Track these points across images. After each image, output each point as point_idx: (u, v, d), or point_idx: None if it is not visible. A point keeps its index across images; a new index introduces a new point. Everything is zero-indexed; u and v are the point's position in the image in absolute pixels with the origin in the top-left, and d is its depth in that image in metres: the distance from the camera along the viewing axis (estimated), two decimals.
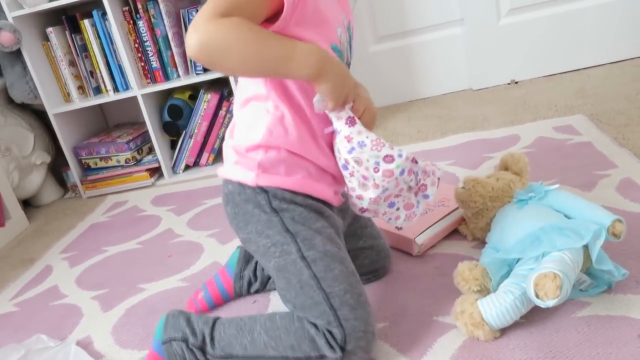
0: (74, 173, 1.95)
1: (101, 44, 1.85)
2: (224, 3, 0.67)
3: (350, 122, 0.76)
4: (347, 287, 0.76)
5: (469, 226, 1.05)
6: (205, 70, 1.85)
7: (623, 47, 1.93)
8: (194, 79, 1.82)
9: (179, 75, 1.88)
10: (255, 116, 0.80)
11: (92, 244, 1.52)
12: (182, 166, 1.93)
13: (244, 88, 0.83)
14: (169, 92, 1.94)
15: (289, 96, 0.78)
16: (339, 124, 0.76)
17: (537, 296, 0.73)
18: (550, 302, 0.72)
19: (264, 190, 0.80)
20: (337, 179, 0.85)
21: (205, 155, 1.92)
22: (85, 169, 1.96)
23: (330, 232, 0.81)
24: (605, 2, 1.89)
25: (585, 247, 0.79)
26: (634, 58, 1.93)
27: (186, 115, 1.89)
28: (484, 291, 0.86)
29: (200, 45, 0.66)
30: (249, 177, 0.80)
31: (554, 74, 1.99)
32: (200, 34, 0.66)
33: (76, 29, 1.87)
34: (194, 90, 1.92)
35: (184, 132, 1.89)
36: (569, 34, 1.93)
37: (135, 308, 1.12)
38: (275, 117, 0.78)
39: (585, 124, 1.47)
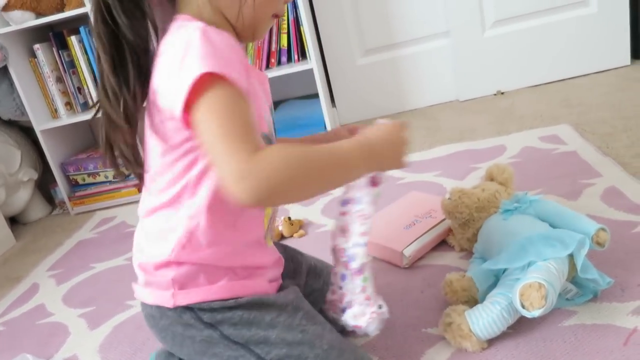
0: (61, 189, 1.93)
1: (89, 60, 1.85)
2: (243, 132, 0.57)
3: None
4: None
5: (456, 237, 1.06)
6: None
7: (606, 57, 1.96)
8: None
9: None
10: (162, 227, 0.68)
11: (80, 260, 1.51)
12: None
13: (149, 197, 0.70)
14: None
15: (205, 199, 0.66)
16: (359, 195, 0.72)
17: (522, 306, 0.74)
18: (535, 312, 0.73)
19: (187, 308, 0.68)
20: (276, 263, 0.77)
21: None
22: (73, 185, 1.95)
23: (285, 317, 0.70)
24: (589, 13, 1.92)
25: (571, 256, 0.80)
26: (617, 68, 1.96)
27: None
28: (472, 302, 0.86)
29: (260, 192, 0.56)
30: (165, 299, 0.68)
31: (539, 84, 2.01)
32: (253, 179, 0.55)
33: (63, 46, 1.87)
34: None
35: None
36: (553, 44, 1.96)
37: (122, 325, 1.11)
38: (189, 228, 0.66)
39: (570, 134, 1.49)
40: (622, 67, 1.96)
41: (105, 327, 1.12)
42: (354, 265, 0.73)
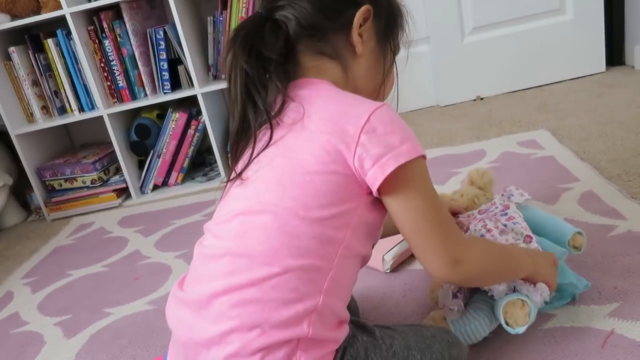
0: (37, 195, 1.89)
1: (66, 63, 1.82)
2: (444, 216, 0.63)
3: None
4: None
5: None
6: (173, 89, 1.83)
7: (582, 64, 2.00)
8: (162, 98, 1.81)
9: (146, 95, 1.86)
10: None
11: (56, 268, 1.47)
12: (150, 186, 1.90)
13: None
14: (137, 112, 1.92)
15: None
16: None
17: (507, 324, 0.74)
18: (520, 329, 0.74)
19: None
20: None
21: (174, 175, 1.89)
22: (50, 190, 1.91)
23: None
24: (565, 21, 1.96)
25: None
26: (592, 74, 2.00)
27: (154, 134, 1.87)
28: None
29: (467, 276, 0.65)
30: None
31: (518, 90, 2.04)
32: (467, 265, 0.63)
33: (40, 48, 1.84)
34: (162, 109, 1.90)
35: (152, 151, 1.87)
36: (530, 51, 2.00)
37: (100, 334, 1.09)
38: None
39: (548, 139, 1.51)
40: (597, 73, 2.00)
41: (82, 335, 1.09)
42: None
